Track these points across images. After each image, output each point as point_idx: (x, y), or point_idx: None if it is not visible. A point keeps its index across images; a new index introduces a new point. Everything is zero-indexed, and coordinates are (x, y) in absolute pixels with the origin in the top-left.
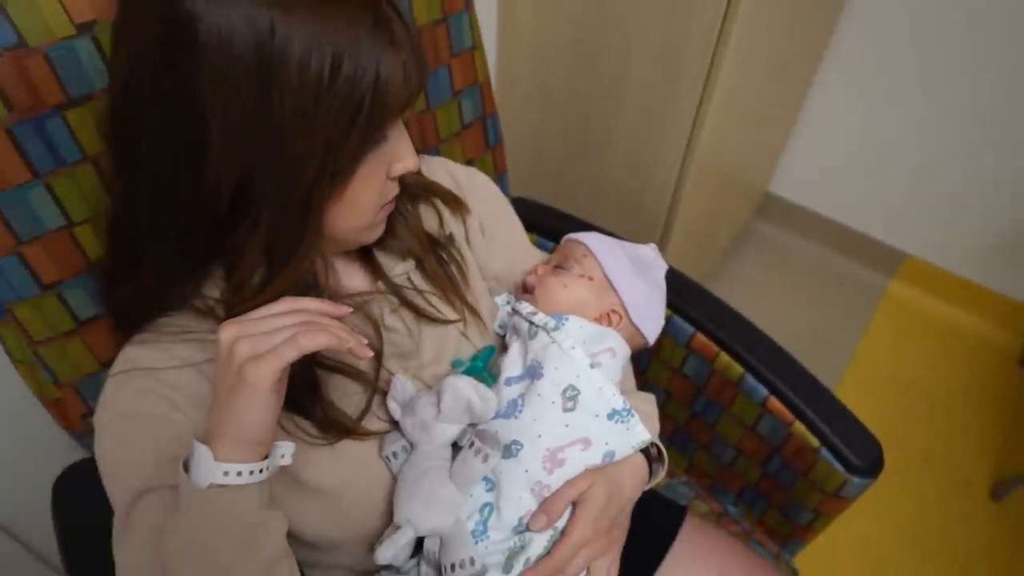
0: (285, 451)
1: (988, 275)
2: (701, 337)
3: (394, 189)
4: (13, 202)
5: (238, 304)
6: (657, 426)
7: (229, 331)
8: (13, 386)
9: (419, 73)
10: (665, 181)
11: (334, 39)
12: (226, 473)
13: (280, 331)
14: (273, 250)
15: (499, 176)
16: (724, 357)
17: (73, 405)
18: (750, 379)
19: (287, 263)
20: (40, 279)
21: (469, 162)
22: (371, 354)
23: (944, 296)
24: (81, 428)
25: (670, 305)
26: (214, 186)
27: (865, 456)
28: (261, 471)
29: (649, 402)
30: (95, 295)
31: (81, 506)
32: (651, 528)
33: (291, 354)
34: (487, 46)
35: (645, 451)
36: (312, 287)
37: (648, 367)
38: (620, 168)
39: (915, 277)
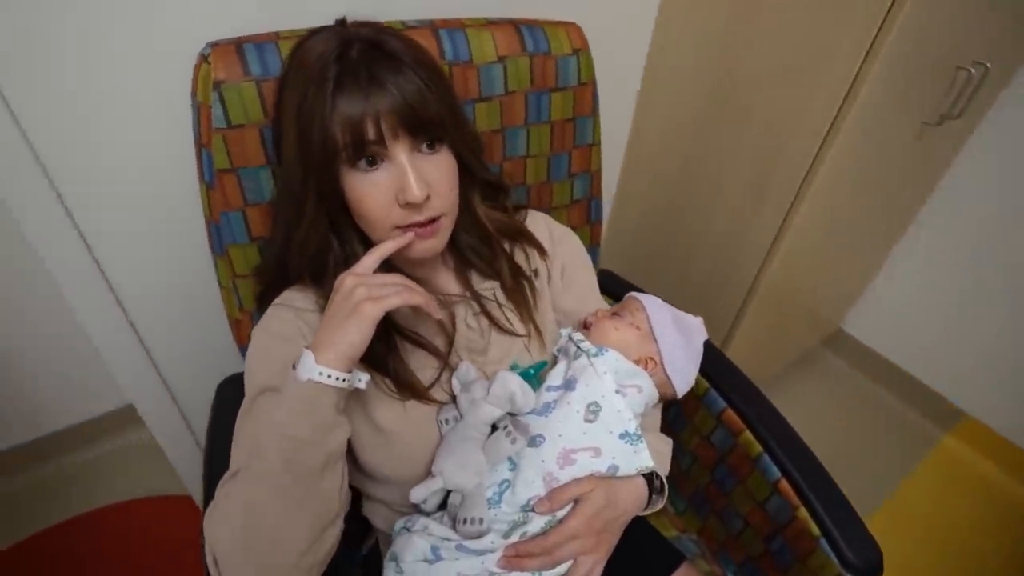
0: (362, 378)
1: None
2: (731, 413)
3: (407, 215)
4: (251, 177)
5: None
6: (667, 466)
7: (351, 279)
8: (209, 314)
9: (389, 117)
10: (738, 291)
11: (306, 91)
12: (321, 373)
13: (388, 287)
14: (320, 241)
15: (593, 247)
16: (747, 435)
17: (246, 326)
18: (766, 459)
19: (344, 247)
20: (251, 232)
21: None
22: (440, 315)
23: (997, 461)
24: (247, 343)
25: (711, 380)
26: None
27: (862, 557)
28: (344, 380)
29: (666, 443)
30: None
31: (230, 403)
32: (647, 563)
33: (396, 301)
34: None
35: (650, 482)
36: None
37: (683, 430)
38: (701, 272)
39: (970, 437)
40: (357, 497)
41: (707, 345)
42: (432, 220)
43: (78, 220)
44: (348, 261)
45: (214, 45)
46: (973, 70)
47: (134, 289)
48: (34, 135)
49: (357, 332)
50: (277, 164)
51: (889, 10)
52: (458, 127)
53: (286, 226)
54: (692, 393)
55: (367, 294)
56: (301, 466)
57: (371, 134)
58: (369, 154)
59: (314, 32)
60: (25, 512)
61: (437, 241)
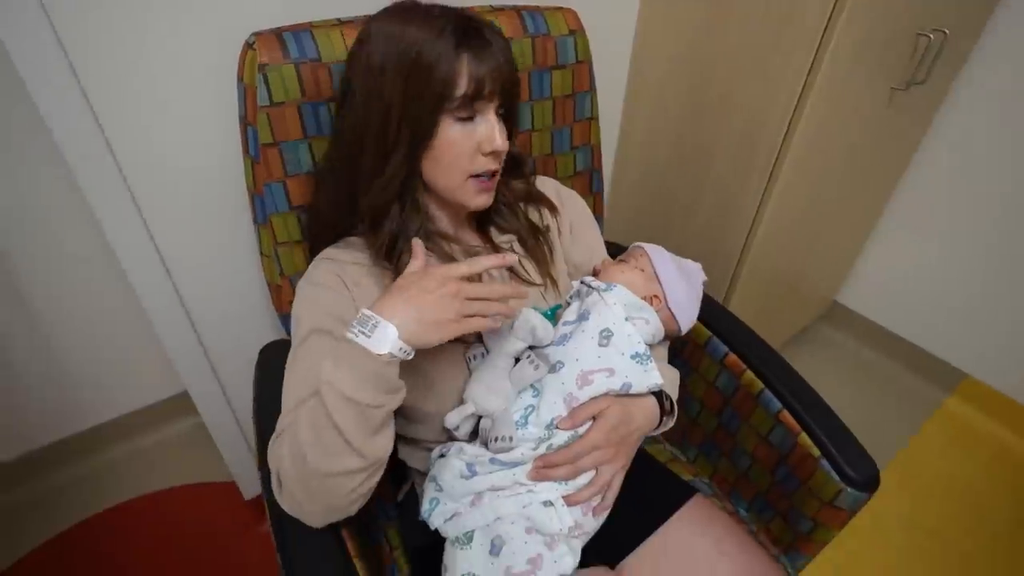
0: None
1: None
2: (733, 357)
3: (485, 164)
4: (291, 150)
5: (365, 215)
6: (675, 391)
7: (453, 286)
8: (248, 286)
9: (495, 73)
10: (729, 259)
11: (422, 46)
12: (402, 349)
13: (481, 304)
14: (398, 188)
15: (597, 216)
16: (749, 374)
17: (286, 292)
18: (767, 393)
19: (405, 199)
20: (291, 201)
21: None
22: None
23: (1000, 418)
24: (286, 310)
25: (712, 328)
26: (353, 129)
27: (860, 470)
28: (409, 354)
29: (673, 372)
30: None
31: (275, 364)
32: (662, 494)
33: (479, 326)
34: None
35: (660, 405)
36: (445, 237)
37: (689, 379)
38: (696, 240)
39: (971, 396)
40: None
41: (706, 296)
42: (493, 175)
43: (134, 191)
44: (406, 224)
45: (258, 34)
46: (932, 36)
47: (183, 264)
48: (103, 118)
49: (438, 337)
50: (339, 127)
51: None
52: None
53: (350, 179)
54: (695, 342)
55: (460, 311)
56: (360, 427)
57: (487, 89)
58: (470, 110)
59: (414, 5)
60: (69, 504)
61: (491, 195)
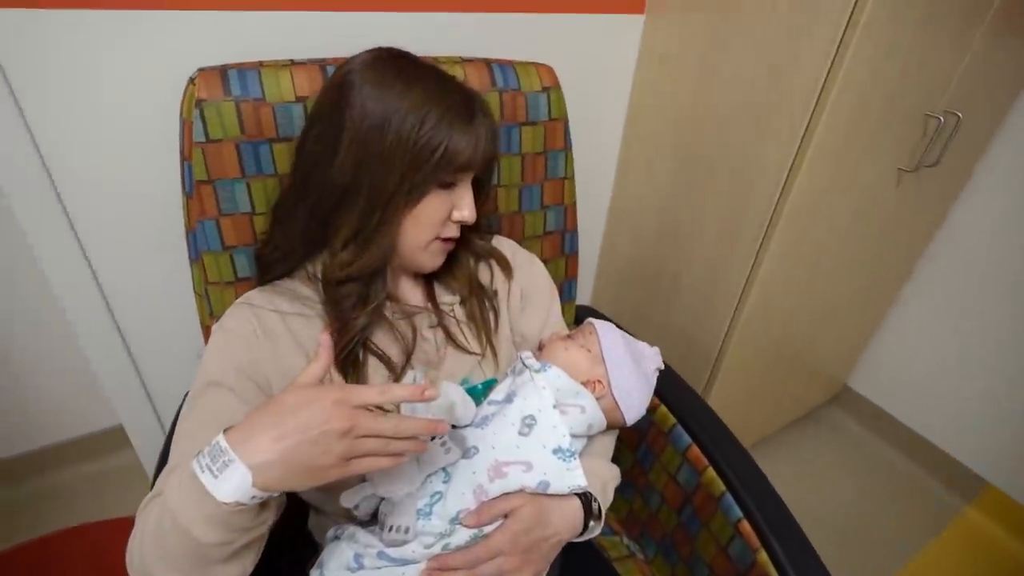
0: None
1: None
2: (696, 449)
3: (452, 230)
4: (225, 188)
5: (335, 271)
6: (610, 495)
7: (346, 415)
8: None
9: (484, 152)
10: (716, 330)
11: (430, 112)
12: (253, 497)
13: (372, 443)
14: (360, 233)
15: (569, 280)
16: (711, 472)
17: None
18: (729, 498)
19: (368, 247)
20: (223, 241)
21: (545, 262)
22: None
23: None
24: None
25: (677, 415)
26: (333, 180)
27: None
28: (266, 498)
29: (612, 469)
30: (250, 262)
31: None
32: None
33: (365, 469)
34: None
35: (588, 507)
36: (382, 290)
37: (651, 468)
38: (683, 312)
39: (991, 507)
40: (304, 514)
41: (678, 382)
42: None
43: (74, 220)
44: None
45: (203, 70)
46: (942, 118)
47: (123, 297)
48: (41, 138)
49: (310, 483)
50: (326, 165)
51: (832, 63)
52: None
53: (322, 223)
54: (659, 427)
55: (346, 453)
56: (210, 557)
57: (474, 166)
58: (453, 178)
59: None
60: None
61: (444, 256)
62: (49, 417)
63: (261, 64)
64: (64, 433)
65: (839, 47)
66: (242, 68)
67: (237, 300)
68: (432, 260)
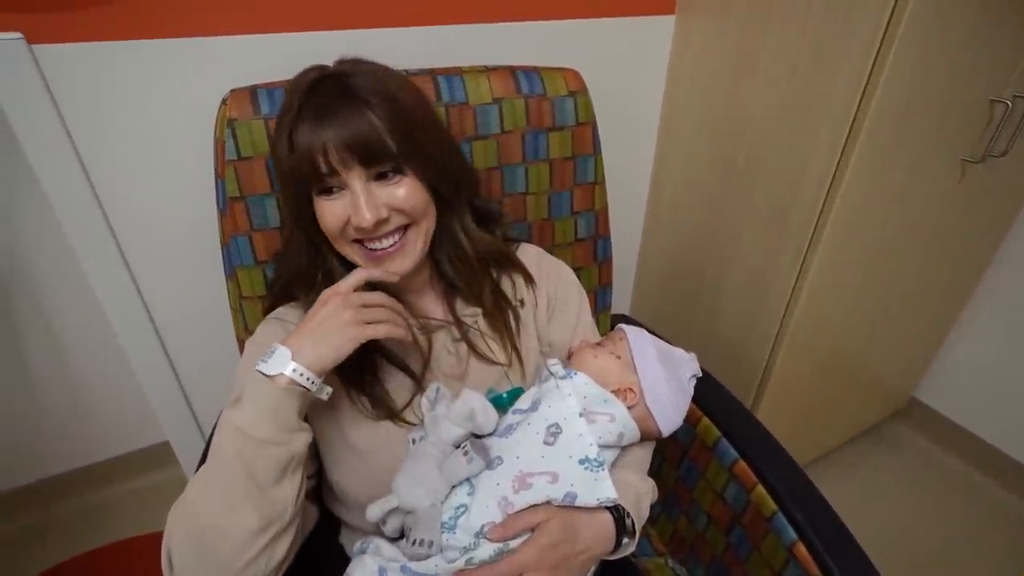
0: (327, 389)
1: None
2: (743, 464)
3: (363, 232)
4: (257, 204)
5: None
6: (645, 510)
7: (337, 299)
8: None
9: (346, 143)
10: (763, 345)
11: (282, 124)
12: (295, 370)
13: (376, 310)
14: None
15: (603, 288)
16: (760, 490)
17: None
18: (781, 518)
19: (288, 258)
20: (256, 255)
21: (577, 270)
22: (410, 337)
23: None
24: None
25: (722, 428)
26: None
27: None
28: (314, 384)
29: (647, 482)
30: None
31: None
32: None
33: (381, 332)
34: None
35: (621, 522)
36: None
37: (695, 485)
38: (728, 322)
39: None
40: (336, 527)
41: (722, 393)
42: (393, 243)
43: (124, 249)
44: (330, 277)
45: (234, 90)
46: (1010, 103)
47: (168, 316)
48: (92, 169)
49: (338, 350)
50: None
51: (878, 51)
52: (424, 159)
53: (283, 246)
54: (702, 442)
55: (354, 318)
56: (258, 467)
57: (322, 165)
58: (325, 183)
59: (307, 70)
60: (67, 539)
61: (405, 260)
62: (105, 433)
63: (288, 82)
64: (116, 449)
65: (886, 31)
66: (271, 87)
67: (268, 316)
68: (374, 270)
